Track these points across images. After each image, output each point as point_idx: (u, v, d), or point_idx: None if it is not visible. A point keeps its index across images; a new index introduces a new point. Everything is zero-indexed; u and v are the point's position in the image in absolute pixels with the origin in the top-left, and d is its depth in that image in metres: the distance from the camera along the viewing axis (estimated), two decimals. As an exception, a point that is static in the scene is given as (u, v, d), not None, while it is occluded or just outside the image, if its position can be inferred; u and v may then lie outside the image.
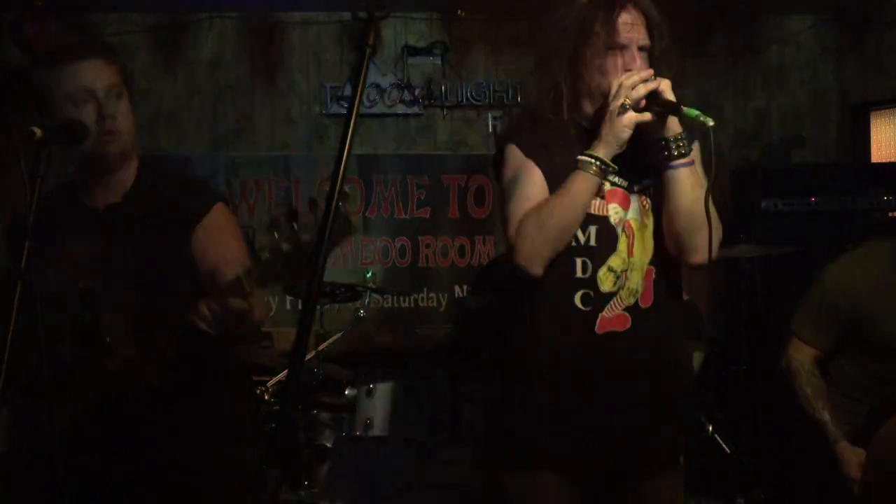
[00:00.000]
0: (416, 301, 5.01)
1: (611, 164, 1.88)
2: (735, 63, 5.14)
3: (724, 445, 3.72)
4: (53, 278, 1.97)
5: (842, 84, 5.16)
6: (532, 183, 1.94)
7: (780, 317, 3.02)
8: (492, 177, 2.17)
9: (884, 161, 4.77)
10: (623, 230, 1.96)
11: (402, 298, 4.99)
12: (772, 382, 3.01)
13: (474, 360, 3.68)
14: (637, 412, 1.98)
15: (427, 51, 5.01)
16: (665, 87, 1.86)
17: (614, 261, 1.96)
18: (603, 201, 1.96)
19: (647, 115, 1.87)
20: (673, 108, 1.86)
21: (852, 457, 2.66)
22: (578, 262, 1.95)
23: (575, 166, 1.90)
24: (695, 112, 1.80)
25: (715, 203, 1.89)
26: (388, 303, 4.97)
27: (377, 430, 3.18)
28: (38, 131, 1.76)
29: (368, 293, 4.10)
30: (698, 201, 1.86)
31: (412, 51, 5.00)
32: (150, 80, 4.88)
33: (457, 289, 4.99)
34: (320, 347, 3.80)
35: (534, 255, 1.89)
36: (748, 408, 3.80)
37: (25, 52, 4.42)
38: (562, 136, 1.97)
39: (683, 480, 2.19)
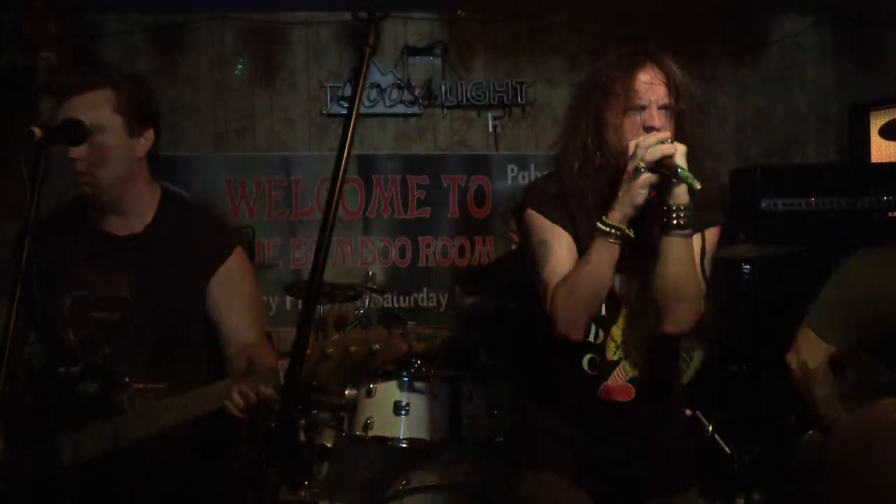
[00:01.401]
0: (416, 301, 5.01)
1: (626, 228, 1.85)
2: (735, 63, 5.14)
3: (724, 445, 3.72)
4: (70, 309, 1.96)
5: (842, 84, 5.17)
6: (561, 248, 1.94)
7: (780, 317, 3.00)
8: (511, 221, 2.16)
9: (884, 161, 4.76)
10: (626, 301, 1.97)
11: (402, 298, 5.00)
12: (772, 382, 3.00)
13: (474, 360, 3.68)
14: (630, 465, 2.03)
15: (427, 51, 5.02)
16: (680, 153, 1.80)
17: (615, 331, 1.98)
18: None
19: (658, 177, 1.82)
20: (673, 172, 1.80)
21: None
22: (593, 327, 1.97)
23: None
24: (686, 173, 1.77)
25: (707, 284, 1.92)
26: (388, 303, 4.97)
27: (377, 430, 3.18)
28: (38, 131, 1.75)
29: (368, 293, 4.10)
30: (687, 275, 1.86)
31: (412, 51, 5.01)
32: (150, 80, 4.87)
33: (457, 289, 4.98)
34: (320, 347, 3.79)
35: (570, 323, 1.90)
36: (748, 408, 3.80)
37: (26, 52, 4.43)
38: (585, 201, 1.94)
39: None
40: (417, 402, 3.18)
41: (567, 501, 2.01)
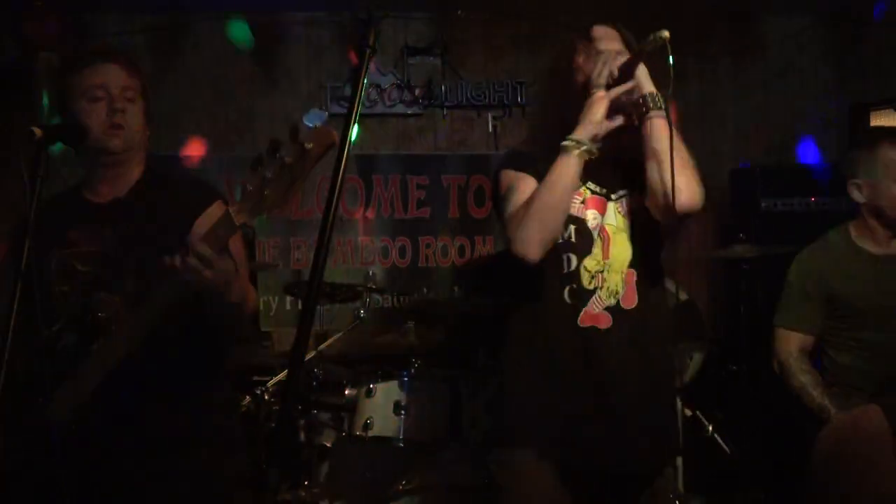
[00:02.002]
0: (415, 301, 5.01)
1: (589, 143, 1.98)
2: (735, 63, 5.14)
3: (724, 445, 3.72)
4: (55, 268, 2.02)
5: (842, 84, 5.16)
6: (527, 188, 2.05)
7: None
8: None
9: (884, 161, 4.76)
10: (599, 234, 2.09)
11: (402, 298, 4.99)
12: (772, 382, 3.02)
13: (474, 360, 3.69)
14: (619, 414, 2.04)
15: (427, 51, 5.01)
16: (620, 58, 2.03)
17: (589, 262, 2.08)
18: (582, 206, 2.10)
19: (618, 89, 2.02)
20: (633, 57, 2.02)
21: None
22: (564, 257, 2.08)
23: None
24: (648, 39, 1.96)
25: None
26: (388, 303, 4.97)
27: (377, 430, 3.18)
28: (38, 131, 1.76)
29: (368, 293, 4.10)
30: (677, 147, 1.97)
31: (412, 51, 5.00)
32: (150, 79, 4.86)
33: (457, 289, 4.99)
34: (320, 347, 3.80)
35: (527, 239, 1.97)
36: (748, 408, 3.80)
37: (26, 52, 4.43)
38: (552, 154, 2.04)
39: (677, 481, 2.23)
40: (417, 402, 3.18)
41: (548, 486, 2.03)
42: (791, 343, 2.95)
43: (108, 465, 1.95)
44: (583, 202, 2.10)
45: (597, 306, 2.07)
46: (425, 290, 4.86)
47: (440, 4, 4.94)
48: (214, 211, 1.90)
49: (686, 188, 1.98)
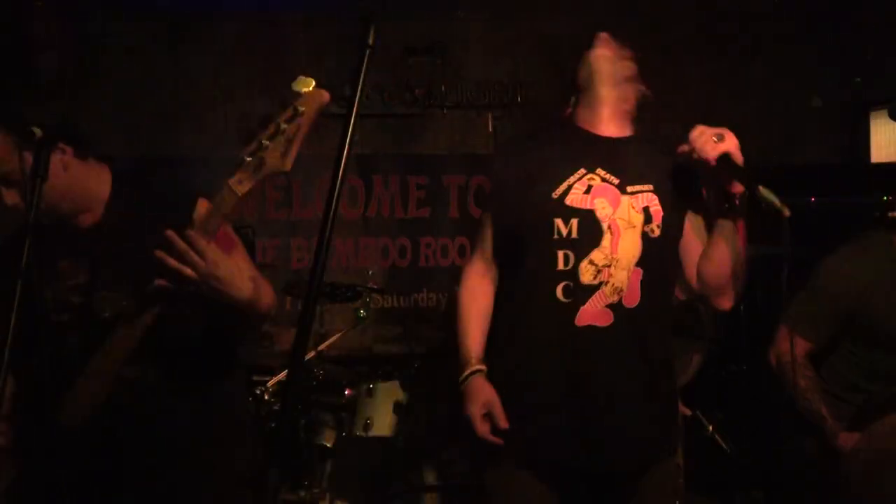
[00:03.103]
0: (415, 301, 5.01)
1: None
2: (735, 63, 5.14)
3: (724, 445, 3.72)
4: (51, 301, 1.98)
5: (842, 84, 5.16)
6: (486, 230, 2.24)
7: (780, 317, 3.02)
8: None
9: (883, 161, 4.76)
10: (609, 227, 2.00)
11: (402, 298, 4.99)
12: (772, 382, 3.01)
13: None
14: (618, 412, 2.01)
15: (427, 51, 5.01)
16: (735, 149, 1.94)
17: (596, 255, 1.99)
18: (588, 195, 2.01)
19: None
20: (746, 183, 1.94)
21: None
22: (560, 254, 2.00)
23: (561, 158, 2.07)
24: (772, 197, 1.89)
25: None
26: (388, 303, 4.97)
27: (377, 430, 3.18)
28: (38, 131, 1.76)
29: (368, 293, 4.10)
30: (740, 255, 1.99)
31: (412, 51, 5.00)
32: (151, 79, 4.88)
33: (457, 289, 4.98)
34: (320, 347, 3.80)
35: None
36: (748, 408, 3.80)
37: (26, 52, 4.43)
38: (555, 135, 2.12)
39: (680, 479, 2.20)
40: (417, 402, 3.18)
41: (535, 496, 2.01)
42: (798, 346, 2.78)
43: (117, 456, 1.96)
44: (587, 191, 2.01)
45: (598, 303, 1.98)
46: (425, 290, 4.87)
47: (440, 4, 4.94)
48: (203, 210, 1.89)
49: (730, 296, 2.03)
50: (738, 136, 1.97)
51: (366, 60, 1.37)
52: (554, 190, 2.02)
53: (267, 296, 1.98)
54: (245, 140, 1.70)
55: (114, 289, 1.97)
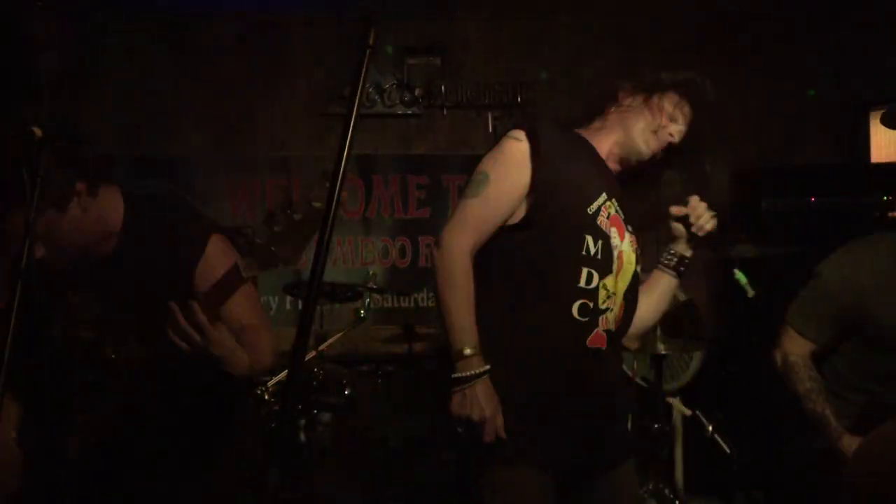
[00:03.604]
0: (415, 301, 5.01)
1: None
2: (735, 63, 5.13)
3: (724, 445, 3.72)
4: (61, 337, 1.99)
5: (842, 84, 5.16)
6: (472, 208, 2.10)
7: (780, 317, 3.01)
8: None
9: (883, 161, 4.76)
10: (618, 256, 2.04)
11: (402, 298, 4.99)
12: (772, 382, 3.01)
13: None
14: (605, 418, 2.11)
15: (427, 51, 5.01)
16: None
17: (609, 281, 2.01)
18: (608, 221, 2.04)
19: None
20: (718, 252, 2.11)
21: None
22: (584, 271, 1.98)
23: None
24: (744, 280, 2.09)
25: None
26: (388, 303, 4.97)
27: (377, 430, 3.18)
28: (38, 131, 1.76)
29: (368, 293, 4.10)
30: (662, 310, 2.21)
31: (412, 51, 5.00)
32: (151, 79, 4.88)
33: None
34: (320, 347, 3.80)
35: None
36: (748, 408, 3.80)
37: (26, 52, 4.42)
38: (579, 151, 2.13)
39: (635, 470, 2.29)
40: (417, 402, 3.19)
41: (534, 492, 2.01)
42: (801, 347, 2.79)
43: (117, 456, 1.96)
44: (608, 217, 2.03)
45: (603, 327, 2.01)
46: (425, 290, 4.87)
47: (440, 4, 4.94)
48: (214, 252, 1.92)
49: (638, 341, 2.26)
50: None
51: (366, 60, 1.37)
52: (589, 205, 2.02)
53: (262, 353, 1.97)
54: (265, 219, 1.76)
55: (123, 326, 1.96)
